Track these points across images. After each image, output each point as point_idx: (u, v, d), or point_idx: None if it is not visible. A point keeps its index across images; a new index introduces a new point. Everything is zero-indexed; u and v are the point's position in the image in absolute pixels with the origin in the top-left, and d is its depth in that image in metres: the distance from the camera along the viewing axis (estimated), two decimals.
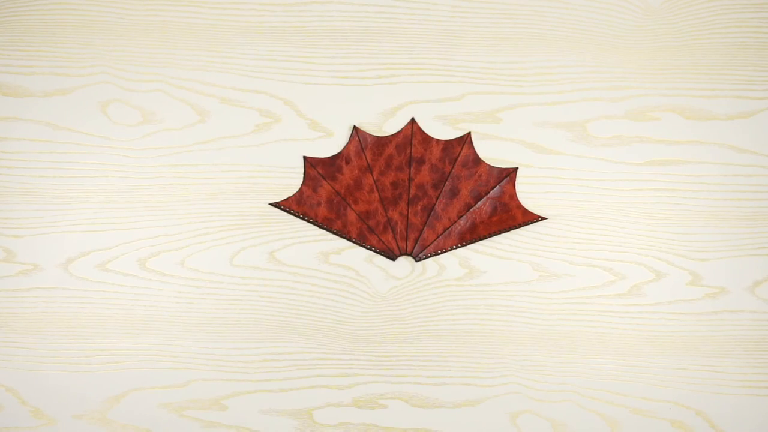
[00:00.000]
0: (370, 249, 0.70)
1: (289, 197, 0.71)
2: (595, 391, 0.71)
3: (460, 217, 0.71)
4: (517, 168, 0.71)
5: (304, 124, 0.73)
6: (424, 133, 0.72)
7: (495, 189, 0.70)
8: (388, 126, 0.73)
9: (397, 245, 0.71)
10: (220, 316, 0.72)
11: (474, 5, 0.74)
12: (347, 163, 0.70)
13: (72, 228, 0.72)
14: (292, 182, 0.73)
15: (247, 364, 0.71)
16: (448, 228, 0.70)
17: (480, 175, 0.71)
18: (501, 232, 0.70)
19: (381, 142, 0.71)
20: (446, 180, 0.71)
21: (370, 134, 0.71)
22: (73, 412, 0.71)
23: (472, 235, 0.70)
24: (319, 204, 0.70)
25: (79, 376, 0.71)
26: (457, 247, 0.70)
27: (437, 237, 0.70)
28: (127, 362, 0.71)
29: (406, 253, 0.71)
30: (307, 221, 0.70)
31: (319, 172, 0.70)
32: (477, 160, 0.71)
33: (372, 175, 0.70)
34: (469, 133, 0.71)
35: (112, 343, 0.71)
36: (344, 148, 0.71)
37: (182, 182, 0.73)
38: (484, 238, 0.70)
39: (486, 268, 0.72)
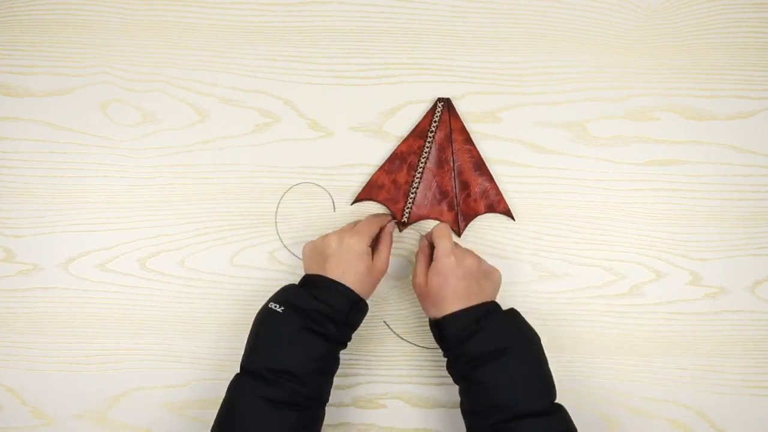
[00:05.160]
0: None
1: None
2: (596, 391, 0.71)
3: None
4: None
5: (304, 124, 0.73)
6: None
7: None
8: (388, 126, 0.73)
9: None
10: (220, 316, 0.72)
11: (474, 5, 0.74)
12: None
13: (72, 228, 0.72)
14: (292, 182, 0.72)
15: None
16: None
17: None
18: None
19: None
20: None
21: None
22: (73, 412, 0.70)
23: None
24: None
25: (79, 376, 0.71)
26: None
27: None
28: (127, 362, 0.71)
29: None
30: None
31: None
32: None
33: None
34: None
35: (112, 343, 0.71)
36: None
37: (182, 182, 0.73)
38: None
39: None
